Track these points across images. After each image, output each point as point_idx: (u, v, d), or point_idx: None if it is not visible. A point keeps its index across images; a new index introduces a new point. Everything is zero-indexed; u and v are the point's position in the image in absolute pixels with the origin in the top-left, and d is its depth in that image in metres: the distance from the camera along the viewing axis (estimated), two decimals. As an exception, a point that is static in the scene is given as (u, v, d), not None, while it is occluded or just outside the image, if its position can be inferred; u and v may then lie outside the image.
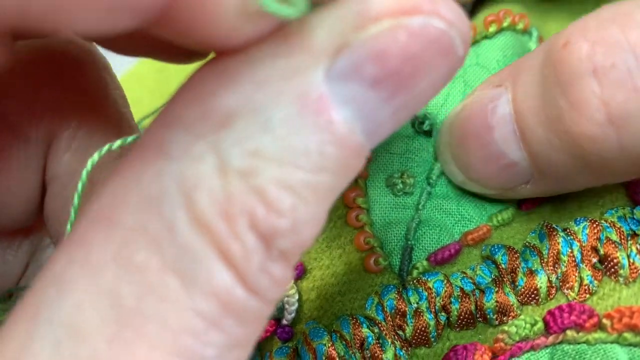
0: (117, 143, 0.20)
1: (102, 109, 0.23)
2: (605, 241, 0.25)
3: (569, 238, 0.25)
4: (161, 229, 0.15)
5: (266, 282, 0.15)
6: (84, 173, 0.20)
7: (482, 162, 0.26)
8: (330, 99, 0.15)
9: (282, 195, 0.15)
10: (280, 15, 0.14)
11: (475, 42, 0.30)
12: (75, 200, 0.20)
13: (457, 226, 0.28)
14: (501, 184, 0.26)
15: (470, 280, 0.26)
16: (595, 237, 0.25)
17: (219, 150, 0.15)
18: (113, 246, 0.15)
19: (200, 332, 0.15)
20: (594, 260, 0.25)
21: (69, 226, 0.20)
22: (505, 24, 0.30)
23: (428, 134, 0.29)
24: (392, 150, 0.29)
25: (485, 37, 0.30)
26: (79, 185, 0.20)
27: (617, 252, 0.24)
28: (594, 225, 0.25)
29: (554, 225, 0.26)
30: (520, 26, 0.31)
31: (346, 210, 0.28)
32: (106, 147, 0.20)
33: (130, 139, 0.20)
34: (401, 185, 0.28)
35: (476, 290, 0.26)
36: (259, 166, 0.15)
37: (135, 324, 0.14)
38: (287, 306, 0.27)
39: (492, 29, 0.30)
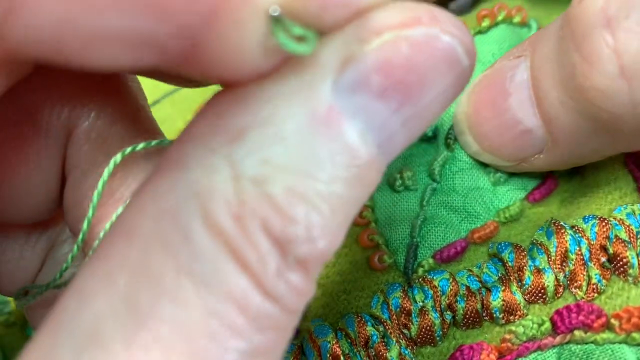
0: (141, 145, 0.21)
1: (121, 100, 0.23)
2: (614, 240, 0.24)
3: (577, 236, 0.25)
4: (176, 234, 0.15)
5: (284, 288, 0.15)
6: (106, 172, 0.20)
7: (497, 130, 0.26)
8: (340, 110, 0.15)
9: (295, 203, 0.15)
10: (295, 52, 0.15)
11: None
12: (95, 198, 0.20)
13: (464, 223, 0.28)
14: (515, 153, 0.26)
15: (477, 279, 0.26)
16: (604, 235, 0.25)
17: (232, 161, 0.15)
18: (131, 255, 0.15)
19: (218, 336, 0.15)
20: (603, 259, 0.24)
21: (85, 224, 0.21)
22: (499, 18, 0.30)
23: (431, 139, 0.29)
24: None
25: (479, 32, 0.30)
26: (100, 183, 0.20)
27: (626, 251, 0.24)
28: (603, 224, 0.25)
29: (561, 223, 0.25)
30: (517, 19, 0.30)
31: None
32: (130, 149, 0.20)
33: (154, 142, 0.21)
34: (400, 181, 0.28)
35: (482, 289, 0.25)
36: (270, 174, 0.15)
37: (151, 327, 0.15)
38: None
39: (485, 23, 0.30)
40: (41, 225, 0.26)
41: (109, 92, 0.23)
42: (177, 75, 0.20)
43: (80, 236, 0.21)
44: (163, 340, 0.15)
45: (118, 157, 0.20)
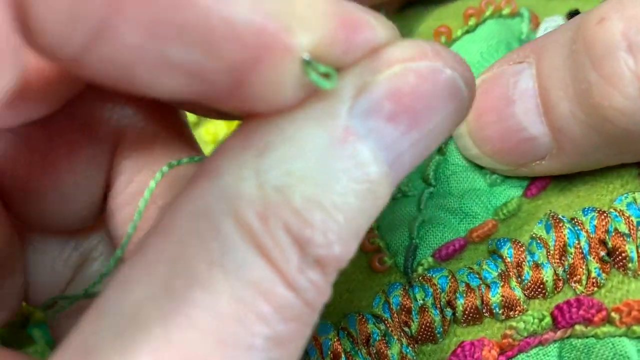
0: (185, 160, 0.23)
1: (166, 115, 0.25)
2: (613, 233, 0.24)
3: (575, 228, 0.25)
4: (209, 231, 0.17)
5: (305, 283, 0.17)
6: (153, 182, 0.22)
7: (500, 136, 0.26)
8: (355, 131, 0.17)
9: (313, 210, 0.17)
10: (322, 87, 0.17)
11: (456, 38, 0.30)
12: (141, 204, 0.22)
13: (462, 224, 0.28)
14: (516, 159, 0.26)
15: (477, 276, 0.26)
16: (603, 229, 0.24)
17: (258, 172, 0.17)
18: (168, 248, 0.17)
19: (246, 321, 0.16)
20: (602, 253, 0.24)
21: (131, 227, 0.23)
22: (487, 14, 0.30)
23: None
24: None
25: (467, 31, 0.30)
26: (146, 192, 0.22)
27: (625, 244, 0.24)
28: (602, 217, 0.25)
29: (560, 216, 0.25)
30: (506, 11, 0.30)
31: None
32: (176, 162, 0.23)
33: (197, 158, 0.23)
34: (396, 188, 0.28)
35: (482, 285, 0.25)
36: (292, 184, 0.17)
37: (186, 311, 0.16)
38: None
39: (472, 22, 0.30)
40: (75, 240, 0.28)
41: (156, 107, 0.24)
42: (214, 109, 0.22)
43: (125, 239, 0.23)
44: (197, 323, 0.16)
45: (165, 168, 0.22)
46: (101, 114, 0.24)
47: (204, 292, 0.16)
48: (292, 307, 0.17)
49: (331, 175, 0.17)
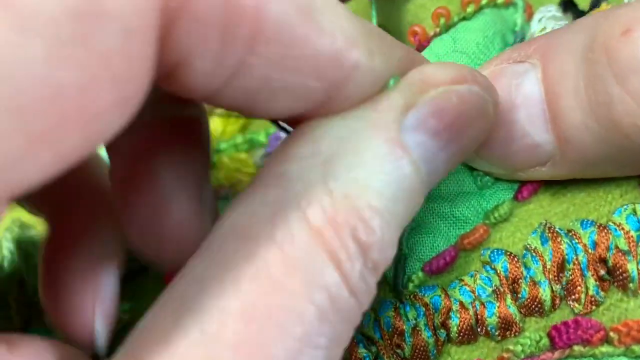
0: None
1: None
2: (614, 251, 0.23)
3: (573, 242, 0.24)
4: (283, 234, 0.18)
5: (364, 287, 0.19)
6: None
7: (500, 141, 0.25)
8: (405, 145, 0.20)
9: (374, 216, 0.19)
10: None
11: (452, 25, 0.28)
12: None
13: (453, 229, 0.26)
14: (516, 164, 0.25)
15: (469, 289, 0.25)
16: (604, 246, 0.23)
17: (326, 179, 0.19)
18: (245, 255, 0.18)
19: (314, 322, 0.18)
20: (602, 272, 0.23)
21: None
22: (483, 2, 0.28)
23: None
24: None
25: (464, 18, 0.28)
26: None
27: (627, 263, 0.23)
28: (603, 233, 0.24)
29: (557, 229, 0.24)
30: (501, 0, 0.29)
31: None
32: None
33: None
34: None
35: (476, 302, 0.24)
36: (357, 191, 0.19)
37: (268, 314, 0.17)
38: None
39: (470, 9, 0.28)
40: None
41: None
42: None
43: None
44: (279, 324, 0.17)
45: None
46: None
47: (282, 297, 0.18)
48: (350, 310, 0.19)
49: (386, 184, 0.19)
